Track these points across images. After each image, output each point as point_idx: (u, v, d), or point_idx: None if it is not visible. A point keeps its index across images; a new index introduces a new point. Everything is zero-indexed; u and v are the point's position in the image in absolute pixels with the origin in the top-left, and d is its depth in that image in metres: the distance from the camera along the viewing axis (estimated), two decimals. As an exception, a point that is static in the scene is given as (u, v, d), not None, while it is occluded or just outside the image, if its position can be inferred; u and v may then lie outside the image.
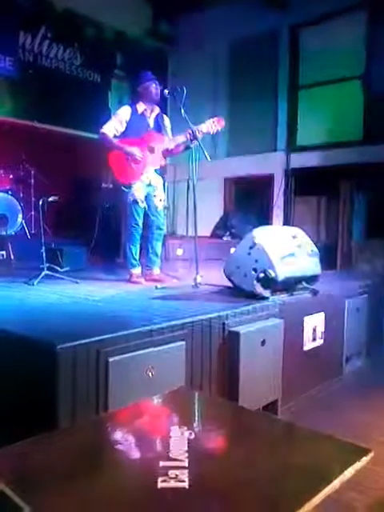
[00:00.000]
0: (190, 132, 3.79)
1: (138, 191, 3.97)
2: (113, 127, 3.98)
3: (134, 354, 2.15)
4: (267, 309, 3.05)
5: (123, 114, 4.01)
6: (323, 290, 3.55)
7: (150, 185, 4.05)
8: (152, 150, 3.99)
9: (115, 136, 3.98)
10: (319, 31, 6.65)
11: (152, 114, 4.11)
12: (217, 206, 7.57)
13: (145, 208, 4.04)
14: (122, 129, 3.99)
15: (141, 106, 4.06)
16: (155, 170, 4.09)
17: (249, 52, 7.33)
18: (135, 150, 3.92)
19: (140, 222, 4.03)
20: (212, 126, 3.93)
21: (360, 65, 6.31)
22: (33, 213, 5.93)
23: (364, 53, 6.27)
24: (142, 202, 4.01)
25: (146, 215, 4.07)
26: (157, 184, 4.10)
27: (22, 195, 5.85)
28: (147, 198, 4.05)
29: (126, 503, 1.10)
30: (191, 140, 3.82)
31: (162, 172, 4.22)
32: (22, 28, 6.42)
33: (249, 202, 7.27)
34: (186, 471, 1.16)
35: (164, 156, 4.11)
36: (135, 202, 3.96)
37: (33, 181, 6.04)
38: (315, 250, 3.47)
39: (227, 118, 4.07)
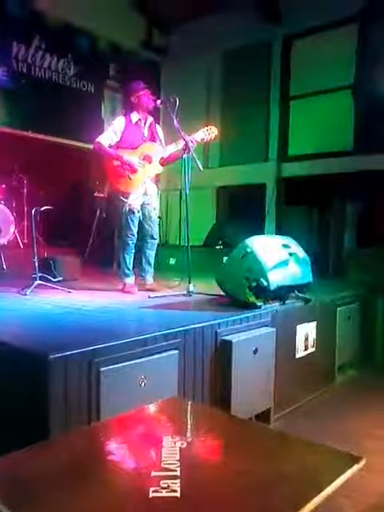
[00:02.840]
0: (184, 142, 3.82)
1: (135, 201, 3.99)
2: (108, 137, 4.00)
3: (126, 363, 2.15)
4: (259, 317, 3.06)
5: (118, 124, 4.04)
6: (315, 299, 3.57)
7: (145, 194, 4.07)
8: (149, 160, 4.02)
9: (110, 146, 4.00)
10: (311, 42, 6.73)
11: (146, 123, 4.14)
12: (209, 215, 7.59)
13: (139, 217, 4.05)
14: (117, 139, 4.02)
15: (135, 116, 4.09)
16: (150, 179, 4.12)
17: (241, 63, 7.39)
18: (134, 160, 3.95)
19: (135, 232, 4.04)
20: (206, 134, 3.98)
21: (351, 76, 6.39)
22: (25, 222, 5.92)
23: (354, 64, 6.35)
24: (138, 211, 4.02)
25: (139, 224, 4.09)
26: (151, 193, 4.12)
27: (14, 205, 5.84)
28: (142, 206, 4.07)
29: (117, 513, 1.10)
30: (184, 150, 3.85)
31: (155, 181, 4.24)
32: (15, 38, 6.44)
33: (241, 211, 7.30)
34: (178, 481, 1.17)
35: (160, 165, 4.14)
36: (131, 211, 3.98)
37: (25, 190, 6.04)
38: (307, 258, 3.50)
39: (220, 128, 4.10)
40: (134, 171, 3.95)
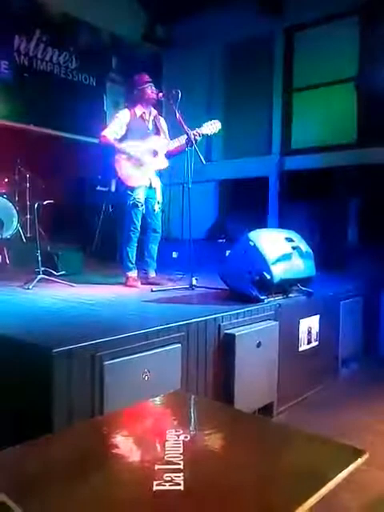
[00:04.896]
0: (187, 137, 3.80)
1: (140, 194, 3.99)
2: (114, 131, 3.98)
3: (129, 357, 2.15)
4: (262, 311, 3.06)
5: (123, 117, 4.02)
6: (318, 292, 3.57)
7: (150, 187, 4.07)
8: (155, 153, 4.01)
9: (116, 139, 3.99)
10: (313, 35, 6.68)
11: (150, 116, 4.13)
12: (212, 208, 7.58)
13: (143, 211, 4.05)
14: (123, 132, 4.00)
15: (139, 110, 4.07)
16: (155, 172, 4.11)
17: (244, 55, 7.35)
18: (140, 153, 3.94)
19: (138, 226, 4.05)
20: (209, 128, 3.96)
21: (353, 68, 6.35)
22: (28, 216, 5.92)
23: (357, 56, 6.31)
24: (142, 205, 4.02)
25: (142, 218, 4.08)
26: (156, 186, 4.11)
27: (17, 199, 5.84)
28: (146, 200, 4.07)
29: (121, 507, 1.10)
30: (187, 143, 3.83)
31: (160, 174, 4.23)
32: (17, 32, 6.41)
33: (243, 204, 7.27)
34: (182, 474, 1.17)
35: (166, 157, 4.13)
36: (135, 205, 3.97)
37: (28, 184, 6.03)
38: (310, 252, 3.49)
39: (222, 121, 4.08)
40: (140, 165, 3.94)
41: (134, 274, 4.09)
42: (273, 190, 6.90)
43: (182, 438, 1.36)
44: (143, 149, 3.98)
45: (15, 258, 5.13)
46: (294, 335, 3.36)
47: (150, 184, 4.06)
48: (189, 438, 1.37)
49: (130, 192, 3.97)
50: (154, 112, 4.16)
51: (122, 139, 4.00)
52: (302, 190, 6.48)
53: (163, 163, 4.10)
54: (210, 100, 7.60)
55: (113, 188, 6.49)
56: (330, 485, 1.16)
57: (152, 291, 3.68)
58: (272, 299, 3.20)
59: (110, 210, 6.43)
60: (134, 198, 3.96)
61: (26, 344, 2.07)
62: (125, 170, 3.97)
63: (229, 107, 7.45)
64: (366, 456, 1.28)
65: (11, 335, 2.18)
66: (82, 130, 6.75)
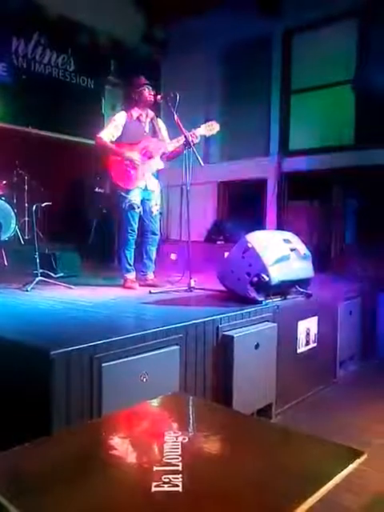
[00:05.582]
0: (185, 138, 3.80)
1: (135, 196, 3.99)
2: (109, 133, 3.99)
3: (127, 359, 2.15)
4: (261, 313, 3.06)
5: (119, 119, 4.03)
6: (316, 294, 3.57)
7: (146, 190, 4.07)
8: (150, 156, 4.01)
9: (111, 141, 3.99)
10: (312, 37, 6.70)
11: (147, 118, 4.13)
12: (210, 210, 7.58)
13: (140, 213, 4.05)
14: (119, 134, 4.01)
15: (136, 112, 4.08)
16: (153, 174, 4.11)
17: (242, 57, 7.36)
18: (134, 156, 3.94)
19: (135, 228, 4.04)
20: (207, 129, 3.97)
21: (352, 70, 6.36)
22: (27, 218, 5.92)
23: (355, 58, 6.32)
24: (139, 207, 4.02)
25: (140, 220, 4.08)
26: (153, 189, 4.11)
27: (15, 201, 5.84)
28: (143, 202, 4.07)
29: (119, 508, 1.10)
30: (185, 145, 3.84)
31: (158, 176, 4.22)
32: (15, 34, 6.42)
33: (242, 206, 7.29)
34: (180, 476, 1.17)
35: (163, 161, 4.13)
36: (132, 207, 3.97)
37: (26, 186, 6.03)
38: (308, 253, 3.49)
39: (220, 123, 4.09)
40: (134, 167, 3.94)
41: (132, 275, 4.09)
42: (271, 192, 6.91)
43: (180, 439, 1.36)
44: (138, 151, 3.98)
45: (13, 260, 5.13)
46: (293, 337, 3.36)
47: (146, 186, 4.06)
48: (187, 439, 1.37)
49: (124, 194, 3.97)
50: (151, 114, 4.16)
51: (119, 141, 4.00)
52: (300, 191, 6.49)
53: (158, 164, 4.11)
54: (209, 102, 7.60)
55: (108, 190, 6.50)
56: (329, 485, 1.16)
57: (150, 293, 3.68)
58: (270, 301, 3.21)
59: (104, 211, 6.43)
60: (130, 200, 3.96)
61: (25, 346, 2.07)
62: (120, 171, 3.97)
63: (227, 109, 7.45)
64: (364, 456, 1.28)
65: (9, 337, 2.18)
66: (80, 132, 6.75)
